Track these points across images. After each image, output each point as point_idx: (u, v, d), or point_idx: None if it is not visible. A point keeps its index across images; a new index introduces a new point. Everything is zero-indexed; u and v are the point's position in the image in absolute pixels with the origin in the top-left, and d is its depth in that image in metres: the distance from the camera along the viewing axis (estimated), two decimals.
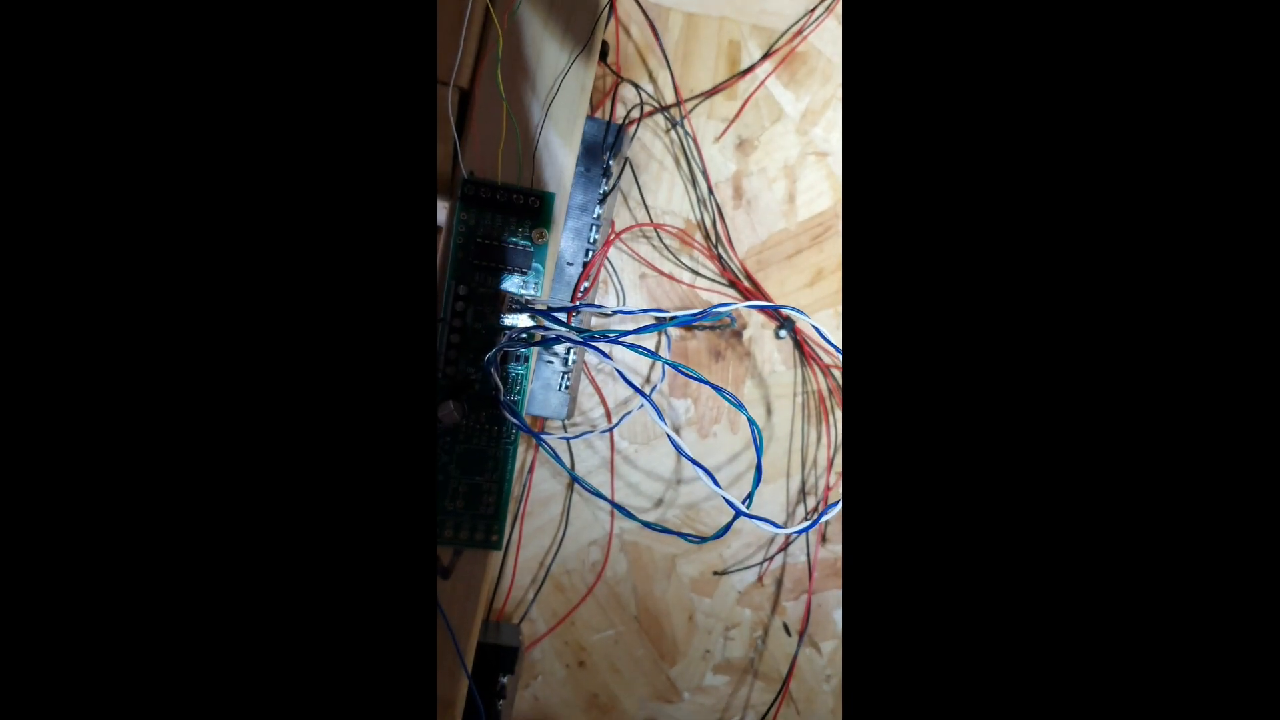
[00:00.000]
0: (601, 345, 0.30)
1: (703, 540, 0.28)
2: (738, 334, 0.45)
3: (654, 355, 0.28)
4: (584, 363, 0.39)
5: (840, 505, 0.26)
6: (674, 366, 0.27)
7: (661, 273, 0.43)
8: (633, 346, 0.29)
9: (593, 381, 0.42)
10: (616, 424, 0.39)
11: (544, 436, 0.33)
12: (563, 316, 0.32)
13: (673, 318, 0.29)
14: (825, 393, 0.45)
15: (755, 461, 0.45)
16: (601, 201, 0.36)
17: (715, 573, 0.45)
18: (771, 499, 0.45)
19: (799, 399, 0.45)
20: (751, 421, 0.26)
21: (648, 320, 0.30)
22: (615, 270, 0.43)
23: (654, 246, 0.44)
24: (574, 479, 0.34)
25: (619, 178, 0.36)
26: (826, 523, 0.45)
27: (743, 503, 0.25)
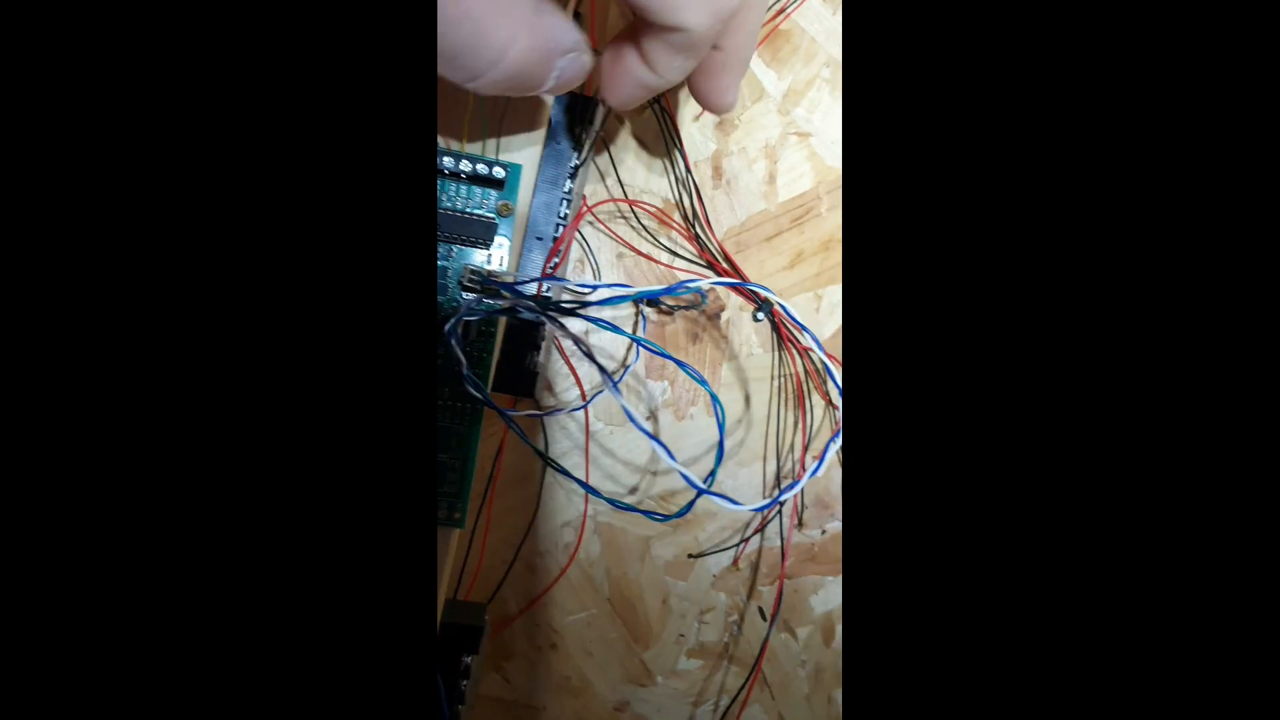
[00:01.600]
0: (569, 320, 0.29)
1: (666, 518, 0.28)
2: (714, 316, 0.44)
3: (618, 330, 0.27)
4: (555, 339, 0.38)
5: (801, 485, 0.25)
6: (640, 343, 0.26)
7: (639, 252, 0.43)
8: (596, 320, 0.28)
9: (566, 359, 0.41)
10: (589, 401, 0.38)
11: (512, 414, 0.32)
12: (531, 289, 0.32)
13: (637, 292, 0.29)
14: (802, 376, 0.44)
15: (731, 450, 0.45)
16: (572, 176, 0.35)
17: (690, 555, 0.44)
18: (747, 482, 0.45)
19: (776, 383, 0.45)
20: (714, 397, 0.26)
21: (612, 294, 0.30)
22: (591, 250, 0.42)
23: (632, 226, 0.43)
24: (543, 459, 0.33)
25: (590, 151, 0.36)
26: (802, 507, 0.45)
27: (705, 480, 0.24)
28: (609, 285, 0.32)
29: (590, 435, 0.42)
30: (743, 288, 0.43)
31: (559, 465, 0.32)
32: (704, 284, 0.28)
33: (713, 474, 0.27)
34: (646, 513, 0.25)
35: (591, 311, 0.28)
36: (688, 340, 0.44)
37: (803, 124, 0.44)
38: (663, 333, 0.44)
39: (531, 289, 0.30)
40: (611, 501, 0.26)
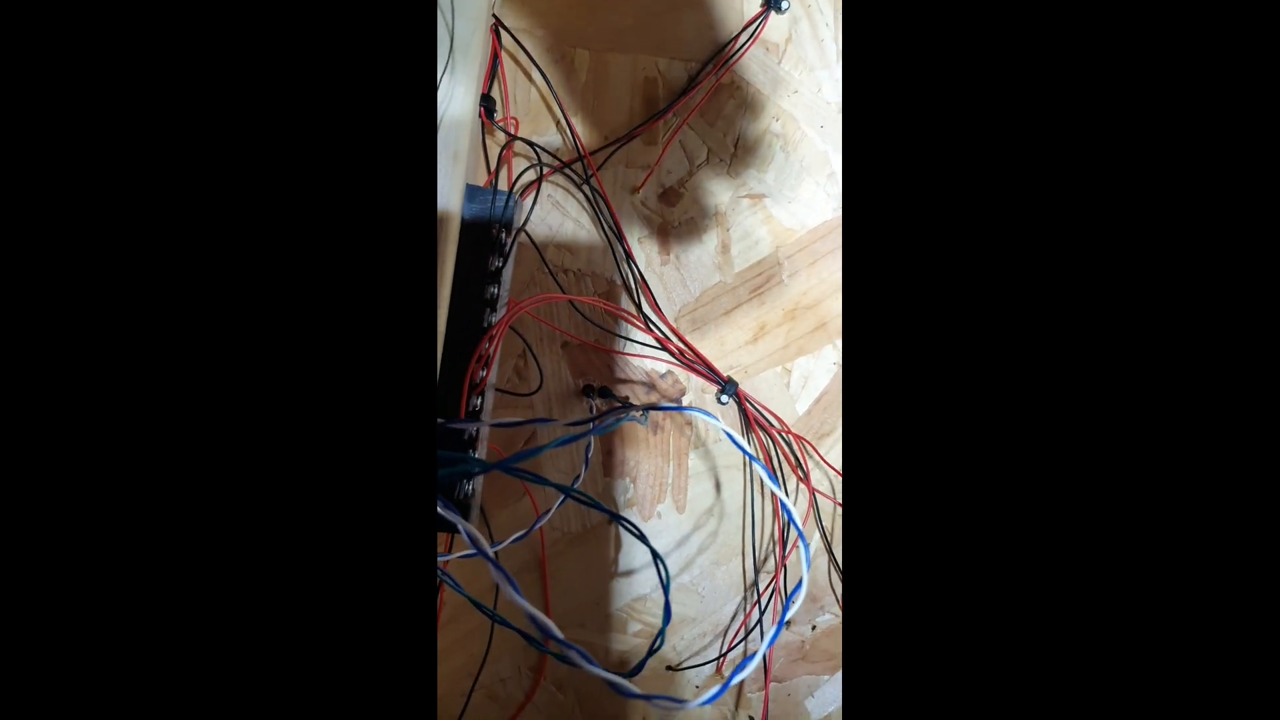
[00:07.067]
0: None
1: (627, 677, 0.24)
2: (675, 401, 0.40)
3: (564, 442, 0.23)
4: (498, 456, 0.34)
5: (758, 657, 0.21)
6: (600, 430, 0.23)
7: (585, 342, 0.39)
8: (536, 452, 0.25)
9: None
10: (537, 524, 0.34)
11: (443, 556, 0.29)
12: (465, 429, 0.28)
13: (584, 429, 0.25)
14: (775, 460, 0.41)
15: (704, 545, 0.41)
16: (495, 279, 0.31)
17: (669, 668, 0.40)
18: (725, 582, 0.41)
19: (749, 468, 0.41)
20: (663, 577, 0.22)
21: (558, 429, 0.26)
22: (530, 345, 0.38)
23: (576, 307, 0.39)
24: (489, 615, 0.29)
25: (513, 249, 0.32)
26: (787, 603, 0.41)
27: (654, 640, 0.20)
28: (513, 424, 0.28)
29: (546, 549, 0.39)
30: (701, 369, 0.39)
31: (504, 620, 0.28)
32: (633, 416, 0.24)
33: (660, 633, 0.23)
34: (610, 680, 0.21)
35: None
36: (648, 429, 0.40)
37: (755, 185, 0.41)
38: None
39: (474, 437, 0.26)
40: (562, 659, 0.22)
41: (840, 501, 0.42)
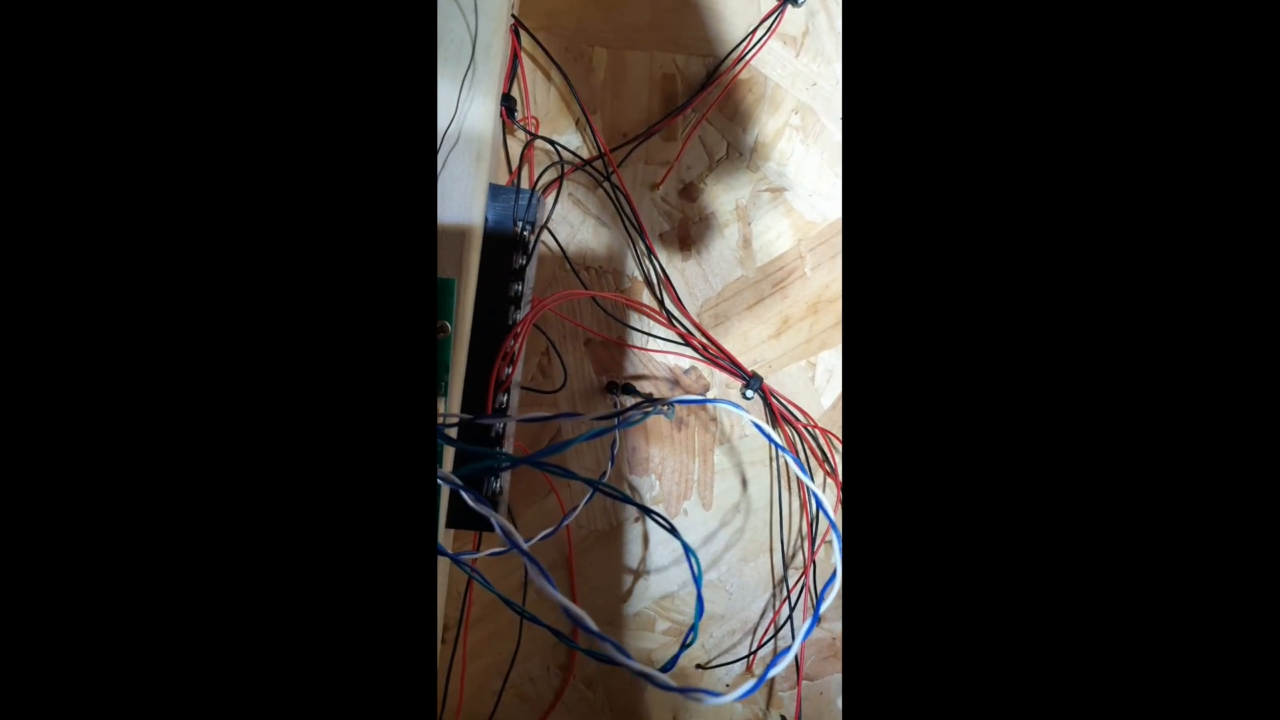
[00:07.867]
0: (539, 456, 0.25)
1: (665, 670, 0.24)
2: (702, 395, 0.40)
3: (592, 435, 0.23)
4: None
5: (793, 651, 0.21)
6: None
7: (608, 339, 0.39)
8: (561, 447, 0.25)
9: (545, 475, 0.37)
10: (565, 519, 0.34)
11: (473, 556, 0.29)
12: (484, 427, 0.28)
13: (610, 424, 0.25)
14: (802, 454, 0.40)
15: (731, 541, 0.41)
16: (519, 277, 0.32)
17: (698, 666, 0.40)
18: (753, 578, 0.40)
19: (776, 463, 0.40)
20: (687, 548, 0.22)
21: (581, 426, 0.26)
22: (554, 343, 0.38)
23: (599, 303, 0.39)
24: (519, 611, 0.29)
25: (536, 246, 0.32)
26: (818, 600, 0.40)
27: (687, 635, 0.20)
28: (546, 418, 0.28)
29: (573, 547, 0.39)
30: (725, 364, 0.39)
31: (534, 617, 0.29)
32: (657, 411, 0.24)
33: (693, 628, 0.23)
34: (644, 674, 0.20)
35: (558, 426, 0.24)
36: (673, 426, 0.40)
37: (775, 178, 0.41)
38: (645, 419, 0.40)
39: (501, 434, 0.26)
40: (593, 655, 0.22)
41: None
